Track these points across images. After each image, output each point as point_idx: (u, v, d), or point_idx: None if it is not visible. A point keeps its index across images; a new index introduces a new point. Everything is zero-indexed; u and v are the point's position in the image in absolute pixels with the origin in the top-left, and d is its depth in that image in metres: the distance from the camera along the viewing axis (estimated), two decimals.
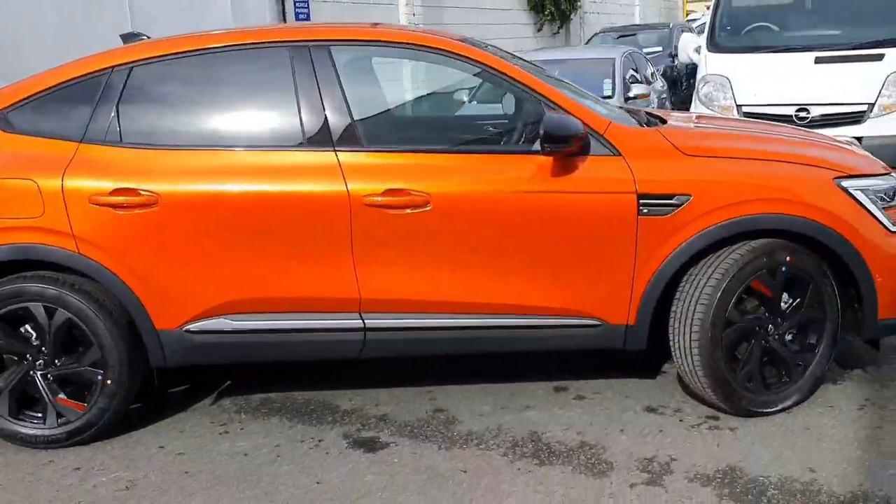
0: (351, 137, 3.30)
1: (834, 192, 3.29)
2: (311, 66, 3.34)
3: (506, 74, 3.38)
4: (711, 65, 7.83)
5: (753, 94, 7.39)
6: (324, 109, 3.30)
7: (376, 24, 3.93)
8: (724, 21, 8.23)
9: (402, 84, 5.08)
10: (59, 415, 3.40)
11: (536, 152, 3.25)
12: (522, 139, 3.51)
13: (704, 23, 9.11)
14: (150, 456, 3.35)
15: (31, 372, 3.39)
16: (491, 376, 3.87)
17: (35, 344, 3.38)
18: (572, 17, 17.75)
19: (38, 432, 3.40)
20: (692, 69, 9.65)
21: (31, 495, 3.09)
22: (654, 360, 3.87)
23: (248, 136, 3.37)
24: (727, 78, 7.57)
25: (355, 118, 3.34)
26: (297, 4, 10.14)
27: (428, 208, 3.22)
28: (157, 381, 3.55)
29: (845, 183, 3.31)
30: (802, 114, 7.07)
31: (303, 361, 3.68)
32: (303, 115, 3.31)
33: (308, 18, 10.40)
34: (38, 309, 3.31)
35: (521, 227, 3.25)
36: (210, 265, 3.28)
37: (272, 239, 3.27)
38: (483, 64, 3.39)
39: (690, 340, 3.25)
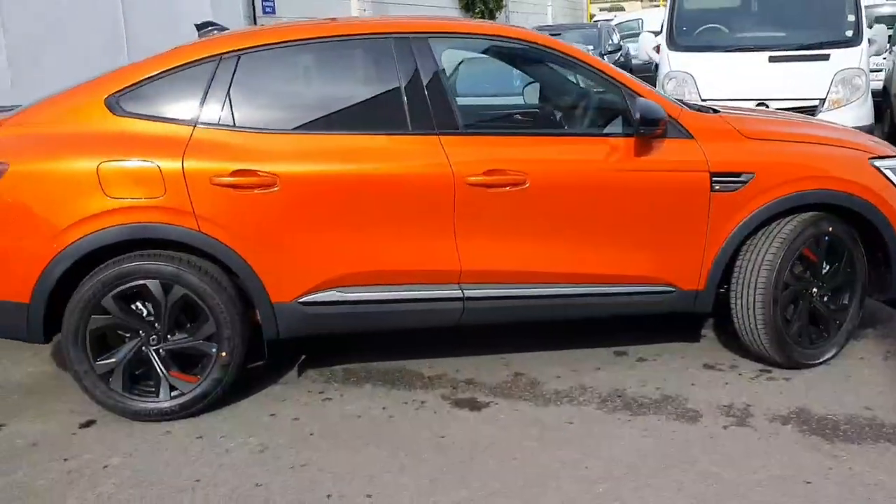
0: (451, 122, 3.59)
1: (869, 170, 3.81)
2: (412, 56, 3.60)
3: (589, 65, 3.74)
4: (675, 62, 8.39)
5: (716, 89, 8.00)
6: (426, 97, 3.57)
7: (464, 18, 4.20)
8: (679, 22, 8.83)
9: (487, 73, 5.35)
10: (171, 388, 3.55)
11: (621, 134, 3.64)
12: (602, 122, 3.88)
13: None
14: (266, 423, 3.54)
15: (145, 347, 3.52)
16: (551, 343, 4.22)
17: (149, 320, 3.52)
18: (498, 15, 18.33)
19: (152, 405, 3.54)
20: (647, 66, 10.28)
21: (171, 462, 3.24)
22: (692, 324, 4.33)
23: (357, 122, 3.61)
24: (690, 74, 8.15)
25: (454, 105, 3.63)
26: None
27: (526, 186, 3.54)
28: (266, 352, 3.72)
29: (877, 163, 3.84)
30: (761, 108, 7.71)
31: (368, 333, 3.96)
32: (407, 101, 3.57)
33: (273, 12, 10.49)
34: (155, 286, 3.44)
35: (609, 203, 3.62)
36: (323, 241, 3.50)
37: (381, 217, 3.52)
38: (570, 56, 3.75)
39: (754, 301, 3.70)
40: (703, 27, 8.90)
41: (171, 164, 3.39)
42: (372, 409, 3.62)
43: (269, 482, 3.07)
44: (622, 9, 32.87)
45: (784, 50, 7.94)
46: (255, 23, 9.67)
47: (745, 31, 8.66)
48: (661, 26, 9.23)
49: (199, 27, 4.07)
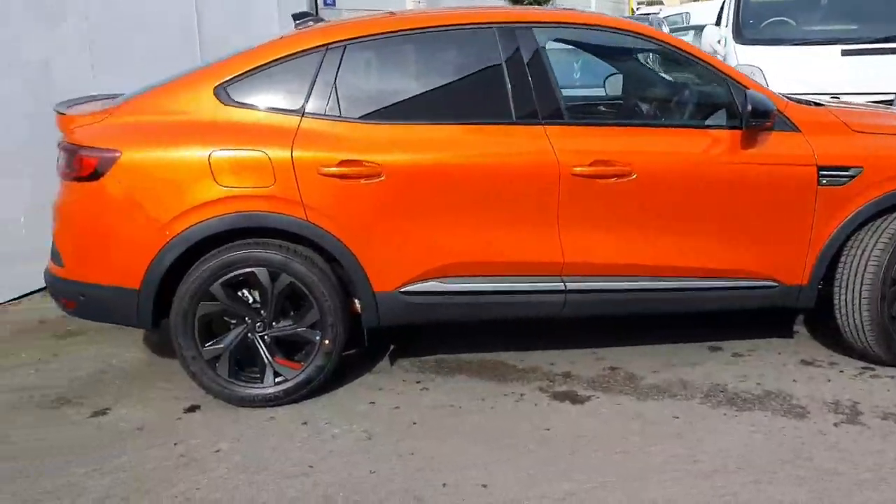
0: (556, 113, 3.58)
1: None
2: (517, 46, 3.59)
3: (698, 58, 3.70)
4: (742, 55, 8.29)
5: (785, 82, 7.87)
6: (531, 87, 3.56)
7: (568, 8, 4.19)
8: (746, 15, 8.71)
9: (585, 65, 5.34)
10: (275, 374, 3.59)
11: (725, 127, 3.60)
12: (704, 115, 3.84)
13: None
14: (367, 411, 3.57)
15: (250, 334, 3.57)
16: (642, 337, 4.19)
17: (255, 307, 3.56)
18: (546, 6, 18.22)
19: (257, 392, 3.59)
20: None
21: (279, 447, 3.28)
22: (783, 319, 4.27)
23: (461, 112, 3.61)
24: (759, 68, 8.04)
25: (559, 95, 3.62)
26: None
27: (632, 177, 3.52)
28: (367, 340, 3.75)
29: None
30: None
31: (465, 323, 3.98)
32: (512, 91, 3.56)
33: (334, 4, 10.52)
34: (262, 274, 3.48)
35: (715, 196, 3.58)
36: (427, 232, 3.52)
37: (485, 207, 3.52)
38: (678, 49, 3.71)
39: (861, 297, 3.63)
40: (771, 20, 8.77)
41: (280, 154, 3.43)
42: (471, 401, 3.63)
43: (379, 469, 3.09)
44: (662, 3, 32.60)
45: (856, 43, 7.81)
46: (317, 14, 9.69)
47: (814, 25, 8.53)
48: (722, 19, 9.12)
49: (297, 17, 4.11)
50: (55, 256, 3.60)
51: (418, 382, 3.83)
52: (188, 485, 3.04)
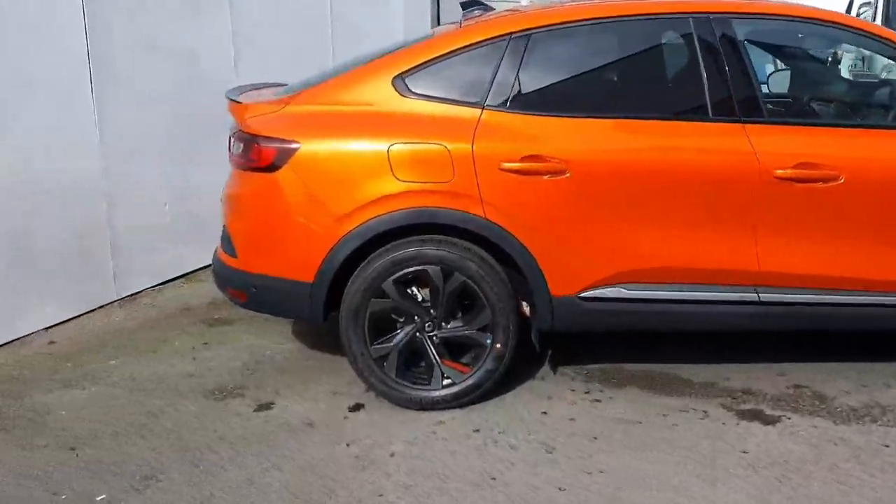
0: (755, 110, 3.33)
1: None
2: (714, 37, 3.34)
3: None
4: None
5: None
6: (729, 81, 3.31)
7: None
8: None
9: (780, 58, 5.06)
10: (443, 377, 3.45)
11: None
12: None
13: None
14: (541, 420, 3.39)
15: (419, 333, 3.43)
16: (824, 353, 3.88)
17: (425, 306, 3.43)
18: None
19: (424, 394, 3.45)
20: None
21: (457, 454, 3.13)
22: None
23: (653, 107, 3.40)
24: None
25: (758, 91, 3.35)
26: None
27: (839, 181, 3.23)
28: (538, 345, 3.57)
29: None
30: None
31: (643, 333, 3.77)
32: (708, 86, 3.32)
33: None
34: (435, 272, 3.34)
35: None
36: (612, 233, 3.31)
37: (675, 210, 3.29)
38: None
39: None
40: None
41: (460, 148, 3.28)
42: (650, 416, 3.40)
43: (570, 487, 2.90)
44: None
45: None
46: (439, 3, 9.58)
47: None
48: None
49: (464, 6, 3.95)
50: (227, 246, 3.55)
51: (587, 393, 3.63)
52: (373, 488, 2.92)
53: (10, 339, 4.27)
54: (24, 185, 4.28)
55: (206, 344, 4.28)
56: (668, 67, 3.46)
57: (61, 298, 4.54)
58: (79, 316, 4.66)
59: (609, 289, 3.36)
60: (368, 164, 3.29)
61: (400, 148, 3.28)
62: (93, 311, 4.75)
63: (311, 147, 3.32)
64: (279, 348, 4.20)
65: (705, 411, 3.43)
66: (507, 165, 3.26)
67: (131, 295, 5.03)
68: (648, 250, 3.32)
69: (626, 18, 3.43)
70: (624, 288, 3.36)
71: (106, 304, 4.84)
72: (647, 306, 3.38)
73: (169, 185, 5.27)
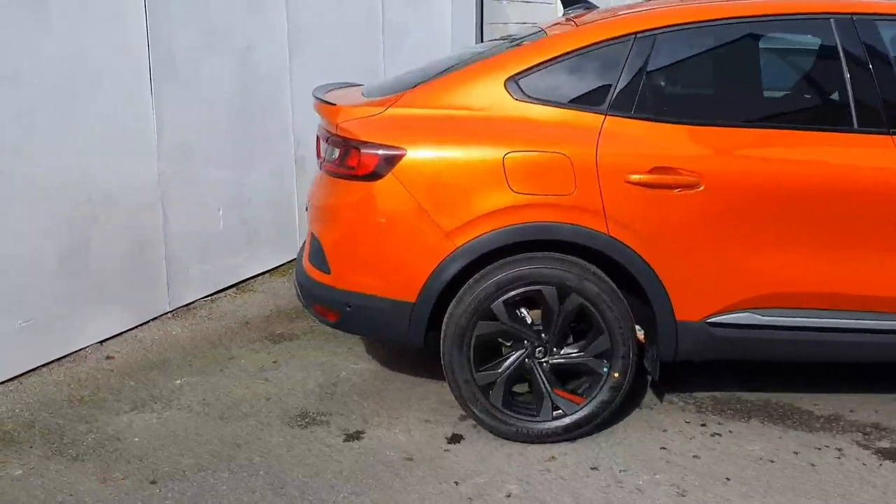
0: None
1: None
2: (858, 40, 3.05)
3: None
4: None
5: None
6: (876, 89, 3.02)
7: None
8: None
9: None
10: (553, 407, 3.16)
11: None
12: None
13: None
14: (662, 458, 3.09)
15: (528, 359, 3.14)
16: None
17: (536, 329, 3.14)
18: None
19: (532, 426, 3.16)
20: None
21: (580, 496, 2.84)
22: None
23: (791, 116, 3.12)
24: None
25: None
26: None
27: None
28: (657, 375, 3.27)
29: None
30: None
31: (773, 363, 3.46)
32: (852, 94, 3.03)
33: None
34: (550, 293, 3.05)
35: None
36: (747, 254, 3.02)
37: (818, 229, 3.01)
38: None
39: None
40: None
41: (583, 157, 2.99)
42: (781, 454, 3.11)
43: None
44: None
45: None
46: (482, 5, 9.29)
47: None
48: None
49: (566, 3, 3.67)
50: (318, 261, 3.25)
51: (704, 426, 3.34)
52: None
53: (65, 354, 3.98)
54: (81, 189, 3.99)
55: (275, 363, 3.98)
56: (810, 73, 3.17)
57: (115, 310, 4.25)
58: (133, 328, 4.37)
59: (741, 314, 3.07)
60: (482, 173, 3.00)
61: (516, 156, 2.99)
62: (146, 322, 4.46)
63: (417, 154, 3.03)
64: (354, 368, 3.90)
65: (839, 449, 3.14)
66: (634, 178, 2.97)
67: (185, 306, 4.74)
68: (788, 273, 3.03)
69: (762, 19, 3.14)
70: (757, 313, 3.07)
71: (160, 316, 4.55)
72: (785, 334, 3.09)
73: (223, 190, 4.97)
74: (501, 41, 3.85)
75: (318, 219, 3.26)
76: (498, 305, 3.06)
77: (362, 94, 3.55)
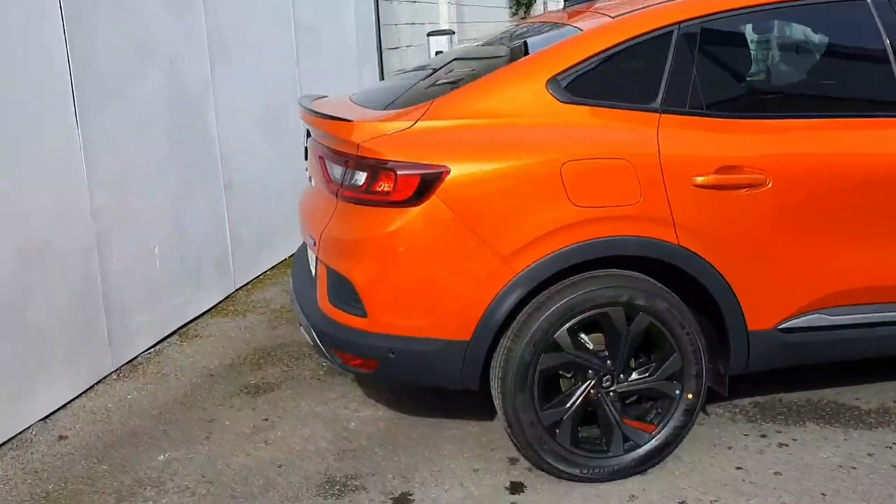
0: None
1: None
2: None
3: None
4: None
5: None
6: None
7: None
8: None
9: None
10: (625, 439, 2.86)
11: None
12: None
13: None
14: (745, 479, 2.86)
15: (594, 389, 2.82)
16: None
17: (602, 356, 2.82)
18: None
19: (604, 463, 2.84)
20: None
21: None
22: None
23: (861, 104, 2.95)
24: None
25: None
26: None
27: None
28: (727, 389, 3.03)
29: None
30: None
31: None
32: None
33: None
34: (617, 314, 2.74)
35: None
36: (814, 252, 2.84)
37: (884, 219, 2.86)
38: None
39: None
40: None
41: (646, 161, 2.69)
42: (857, 457, 2.96)
43: None
44: None
45: None
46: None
47: None
48: None
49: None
50: (348, 304, 2.76)
51: (764, 436, 3.14)
52: None
53: (5, 439, 3.28)
54: (8, 235, 3.30)
55: (266, 420, 3.45)
56: (865, 56, 3.00)
57: (54, 376, 3.56)
58: (78, 397, 3.69)
59: (809, 316, 2.89)
60: (537, 187, 2.64)
61: (574, 166, 2.65)
62: (92, 388, 3.78)
63: (463, 171, 2.62)
64: (361, 416, 3.44)
65: None
66: (699, 180, 2.71)
67: (129, 362, 4.08)
68: (856, 268, 2.87)
69: (813, 2, 2.94)
70: (825, 314, 2.90)
71: (105, 378, 3.88)
72: (855, 332, 2.93)
73: (159, 223, 4.34)
74: (500, 39, 3.52)
75: (342, 254, 2.78)
76: (562, 334, 2.72)
77: (358, 104, 3.11)
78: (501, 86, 2.79)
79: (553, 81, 2.76)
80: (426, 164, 2.61)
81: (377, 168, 2.66)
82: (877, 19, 2.91)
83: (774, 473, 2.89)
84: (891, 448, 3.01)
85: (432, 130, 2.70)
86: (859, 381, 3.50)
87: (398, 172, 2.61)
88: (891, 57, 2.89)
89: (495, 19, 13.22)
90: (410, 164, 2.62)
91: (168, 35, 4.39)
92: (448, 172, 2.61)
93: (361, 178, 2.70)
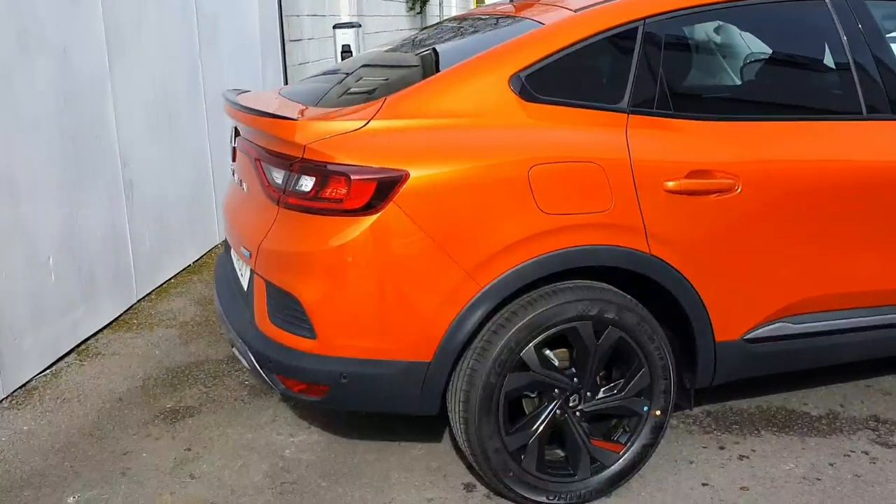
0: None
1: None
2: (853, 19, 2.87)
3: None
4: None
5: None
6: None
7: None
8: None
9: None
10: (592, 460, 2.68)
11: None
12: None
13: None
14: (714, 497, 2.74)
15: (560, 410, 2.63)
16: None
17: (568, 374, 2.63)
18: None
19: (572, 487, 2.66)
20: None
21: None
22: None
23: (830, 105, 2.87)
24: None
25: None
26: None
27: None
28: (692, 404, 2.89)
29: None
30: None
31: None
32: (857, 77, 2.84)
33: None
34: (586, 329, 2.56)
35: None
36: (781, 258, 2.75)
37: (848, 226, 2.80)
38: None
39: None
40: None
41: (616, 165, 2.52)
42: (819, 467, 2.89)
43: None
44: None
45: None
46: None
47: None
48: None
49: None
50: (292, 324, 2.46)
51: (722, 448, 3.04)
52: None
53: None
54: None
55: (189, 450, 3.10)
56: (821, 55, 2.94)
57: None
58: None
59: (774, 325, 2.80)
60: (505, 193, 2.42)
61: (543, 170, 2.45)
62: None
63: (423, 175, 2.37)
64: (295, 442, 3.14)
65: (866, 453, 2.99)
66: (670, 185, 2.56)
67: (22, 387, 3.61)
68: (817, 274, 2.80)
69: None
70: (790, 322, 2.82)
71: None
72: (818, 340, 2.86)
73: (53, 232, 3.87)
74: (438, 26, 3.29)
75: (286, 268, 2.47)
76: (529, 352, 2.52)
77: (292, 100, 2.81)
78: (460, 82, 2.55)
79: (515, 78, 2.54)
80: (382, 169, 2.35)
81: (327, 173, 2.37)
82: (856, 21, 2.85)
83: (741, 489, 2.79)
84: (849, 457, 2.97)
85: (387, 131, 2.43)
86: (805, 386, 3.47)
87: (352, 177, 2.34)
88: (850, 61, 2.84)
89: (395, 13, 12.98)
90: (365, 169, 2.34)
91: (59, 20, 3.92)
92: (407, 177, 2.35)
93: (308, 183, 2.40)
